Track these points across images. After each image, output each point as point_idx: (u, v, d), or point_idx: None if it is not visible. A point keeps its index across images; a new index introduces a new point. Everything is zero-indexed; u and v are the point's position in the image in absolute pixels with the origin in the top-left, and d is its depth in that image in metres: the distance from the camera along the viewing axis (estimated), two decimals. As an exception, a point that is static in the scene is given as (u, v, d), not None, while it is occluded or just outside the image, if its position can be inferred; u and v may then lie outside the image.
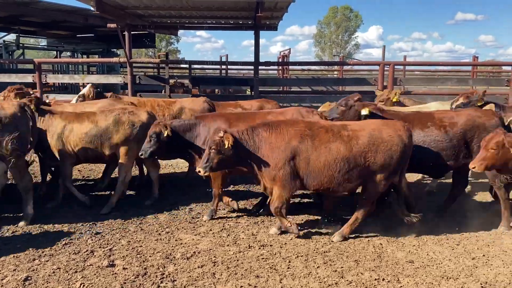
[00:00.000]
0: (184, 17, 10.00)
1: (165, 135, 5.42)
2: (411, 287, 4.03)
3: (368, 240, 5.13)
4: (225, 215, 5.95)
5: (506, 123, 5.53)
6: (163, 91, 9.87)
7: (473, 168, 4.84)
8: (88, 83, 8.33)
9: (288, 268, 4.37)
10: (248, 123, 5.36)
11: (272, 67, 19.43)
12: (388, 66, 9.35)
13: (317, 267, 4.38)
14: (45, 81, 9.96)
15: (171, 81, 9.76)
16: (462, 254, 4.75)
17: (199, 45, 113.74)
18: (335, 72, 21.18)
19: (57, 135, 5.82)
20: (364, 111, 5.59)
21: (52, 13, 13.12)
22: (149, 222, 5.66)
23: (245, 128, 5.05)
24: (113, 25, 9.26)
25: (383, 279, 4.14)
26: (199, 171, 4.92)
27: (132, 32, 15.43)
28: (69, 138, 5.83)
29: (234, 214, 5.97)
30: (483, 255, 4.73)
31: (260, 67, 9.57)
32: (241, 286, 3.99)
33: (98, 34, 17.42)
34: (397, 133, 4.93)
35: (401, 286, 4.04)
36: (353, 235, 5.20)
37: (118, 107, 6.31)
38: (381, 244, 5.03)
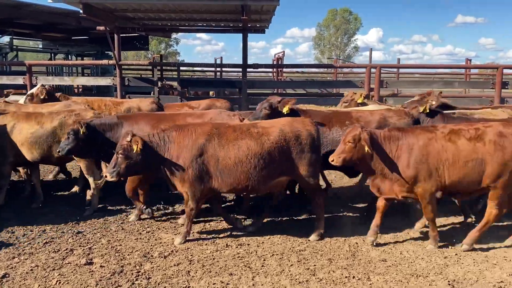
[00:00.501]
0: (173, 19, 10.11)
1: (81, 132, 5.32)
2: (381, 284, 4.13)
3: (345, 240, 5.22)
4: (208, 218, 6.03)
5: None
6: (151, 93, 9.98)
7: (332, 161, 4.85)
8: (78, 85, 8.49)
9: (262, 266, 4.46)
10: (169, 125, 5.23)
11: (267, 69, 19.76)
12: (375, 68, 9.46)
13: (291, 265, 4.47)
14: (35, 83, 10.04)
15: (160, 83, 9.85)
16: (435, 253, 4.84)
17: (199, 48, 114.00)
18: (330, 75, 21.65)
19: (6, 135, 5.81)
20: (285, 109, 5.60)
21: (44, 15, 13.25)
22: (131, 221, 5.75)
23: (156, 131, 5.01)
24: (102, 28, 9.36)
25: (354, 277, 4.23)
26: (106, 176, 4.83)
27: (124, 35, 15.73)
28: (17, 138, 5.80)
29: (217, 217, 6.05)
30: (456, 254, 4.82)
31: (256, 70, 9.65)
32: (214, 284, 4.08)
33: (92, 36, 17.54)
34: (306, 128, 5.05)
35: (370, 284, 4.13)
36: (331, 235, 5.30)
37: (67, 109, 6.24)
38: (356, 243, 5.12)
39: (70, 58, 18.16)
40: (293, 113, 5.70)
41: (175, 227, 5.59)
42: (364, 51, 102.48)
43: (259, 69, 21.97)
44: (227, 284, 4.08)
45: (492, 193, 4.75)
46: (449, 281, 4.17)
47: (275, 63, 18.99)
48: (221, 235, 5.29)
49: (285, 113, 5.63)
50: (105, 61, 10.45)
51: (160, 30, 11.04)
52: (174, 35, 69.57)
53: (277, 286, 4.06)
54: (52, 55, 18.52)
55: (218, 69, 18.31)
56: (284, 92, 14.14)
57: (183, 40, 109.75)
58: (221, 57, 20.68)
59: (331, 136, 5.62)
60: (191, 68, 21.40)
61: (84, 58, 19.44)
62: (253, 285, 4.07)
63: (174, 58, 71.35)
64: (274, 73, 19.89)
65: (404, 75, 17.70)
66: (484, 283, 4.17)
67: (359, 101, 7.26)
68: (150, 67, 18.76)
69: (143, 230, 5.44)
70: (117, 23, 9.53)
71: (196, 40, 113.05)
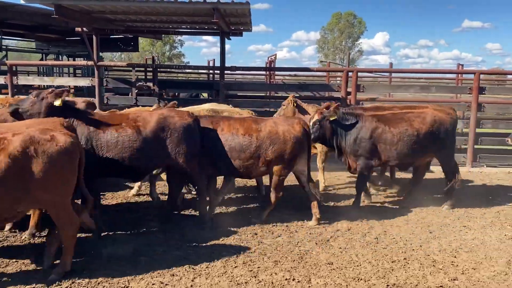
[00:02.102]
0: (154, 21, 10.15)
1: None
2: (320, 287, 4.14)
3: (298, 242, 5.24)
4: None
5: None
6: (129, 94, 10.05)
7: None
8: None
9: (207, 267, 4.48)
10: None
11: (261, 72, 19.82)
12: (352, 72, 9.49)
13: (235, 267, 4.49)
14: (17, 82, 10.12)
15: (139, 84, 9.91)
16: (384, 257, 4.85)
17: (205, 50, 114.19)
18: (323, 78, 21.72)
19: None
20: (57, 102, 5.06)
21: (34, 16, 13.32)
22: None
23: None
24: (79, 29, 9.43)
25: (294, 279, 4.25)
26: None
27: (114, 36, 15.82)
28: None
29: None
30: (404, 259, 4.83)
31: (249, 73, 9.60)
32: (153, 284, 4.10)
33: (88, 37, 17.64)
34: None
35: (309, 286, 4.14)
36: (288, 239, 5.33)
37: None
38: (310, 246, 5.14)
39: (61, 59, 18.24)
40: (68, 109, 5.21)
41: (133, 228, 5.63)
42: (370, 55, 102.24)
43: (252, 72, 22.28)
44: (166, 284, 4.10)
45: None
46: (388, 285, 4.19)
47: (268, 66, 19.18)
48: (176, 236, 5.32)
49: (56, 105, 5.08)
50: (83, 62, 10.51)
51: (140, 32, 11.11)
52: (178, 37, 70.25)
53: (215, 287, 4.08)
54: (44, 55, 18.61)
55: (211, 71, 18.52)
56: (276, 94, 14.25)
57: (189, 42, 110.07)
58: (214, 60, 20.75)
59: (105, 138, 5.15)
60: (191, 71, 21.59)
61: (76, 58, 19.53)
62: (191, 286, 4.09)
63: (179, 60, 71.59)
64: (268, 76, 20.17)
65: (406, 80, 17.73)
66: (423, 286, 4.18)
67: (292, 104, 7.40)
68: (150, 69, 19.17)
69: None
70: (96, 25, 9.60)
71: (202, 42, 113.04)
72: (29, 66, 18.10)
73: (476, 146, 9.65)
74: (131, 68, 10.90)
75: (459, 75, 17.88)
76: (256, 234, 5.51)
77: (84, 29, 9.61)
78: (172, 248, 4.95)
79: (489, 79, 22.84)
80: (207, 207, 5.90)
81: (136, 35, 13.60)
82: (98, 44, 9.66)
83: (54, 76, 14.33)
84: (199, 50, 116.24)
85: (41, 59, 18.48)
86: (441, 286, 4.19)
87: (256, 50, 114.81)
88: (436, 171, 9.34)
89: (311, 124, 6.25)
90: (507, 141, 6.99)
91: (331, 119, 6.22)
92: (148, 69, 12.12)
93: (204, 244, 5.09)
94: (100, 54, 19.66)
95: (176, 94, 12.33)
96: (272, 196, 5.82)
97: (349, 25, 68.45)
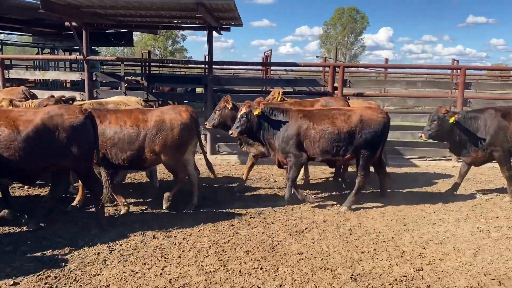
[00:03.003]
0: (143, 16, 10.21)
1: None
2: (286, 275, 4.25)
3: (272, 233, 5.35)
4: (144, 209, 6.19)
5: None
6: (119, 88, 10.15)
7: None
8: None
9: (179, 257, 4.60)
10: None
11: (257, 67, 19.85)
12: (339, 67, 9.56)
13: (206, 257, 4.61)
14: (8, 76, 10.23)
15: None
16: (355, 248, 4.95)
17: None
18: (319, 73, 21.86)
19: None
20: None
21: (29, 11, 13.39)
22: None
23: None
24: (68, 23, 9.52)
25: (262, 268, 4.36)
26: None
27: (110, 31, 15.89)
28: None
29: (155, 210, 6.20)
30: (374, 250, 4.93)
31: (246, 68, 9.67)
32: (124, 272, 4.23)
33: (79, 32, 17.72)
34: None
35: (276, 275, 4.25)
36: (263, 230, 5.45)
37: None
38: (283, 237, 5.25)
39: (56, 53, 18.32)
40: None
41: (110, 218, 5.76)
42: (374, 50, 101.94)
43: (249, 67, 22.38)
44: (136, 272, 4.23)
45: None
46: (353, 274, 4.30)
47: (264, 61, 19.29)
48: (154, 227, 5.45)
49: None
50: (73, 56, 10.62)
51: (130, 26, 11.18)
52: (180, 32, 70.39)
53: (183, 275, 4.20)
54: (40, 49, 18.70)
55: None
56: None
57: (193, 37, 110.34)
58: (205, 56, 20.84)
59: None
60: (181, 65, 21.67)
61: (72, 53, 19.62)
62: (160, 274, 4.21)
63: (181, 55, 71.81)
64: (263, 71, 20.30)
65: (409, 75, 17.74)
66: (387, 276, 4.29)
67: (279, 99, 7.46)
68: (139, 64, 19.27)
69: (79, 221, 5.60)
70: (87, 20, 9.68)
71: (205, 37, 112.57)
72: (21, 60, 18.10)
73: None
74: (120, 63, 10.93)
75: (454, 70, 17.90)
76: (232, 225, 5.62)
77: (74, 23, 9.67)
78: (148, 238, 5.08)
79: (492, 75, 22.93)
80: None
81: (126, 30, 13.64)
82: (88, 39, 9.75)
83: (45, 71, 14.30)
84: (202, 44, 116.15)
85: (37, 53, 18.58)
86: (404, 276, 4.30)
87: (260, 44, 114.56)
88: (421, 165, 9.49)
89: (238, 117, 6.27)
90: (420, 136, 6.81)
91: (255, 113, 6.16)
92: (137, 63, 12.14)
93: (179, 235, 5.21)
94: (96, 48, 19.87)
95: (172, 89, 12.41)
96: (176, 182, 6.11)
97: (351, 20, 68.18)
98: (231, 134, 6.34)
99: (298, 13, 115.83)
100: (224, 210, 6.19)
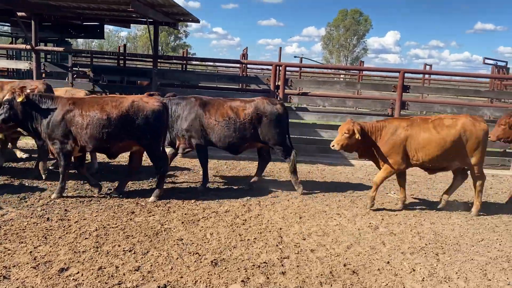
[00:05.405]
0: (85, 9, 10.31)
1: None
2: (151, 258, 4.43)
3: (166, 221, 5.55)
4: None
5: None
6: (66, 78, 10.34)
7: None
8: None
9: (59, 238, 4.80)
10: None
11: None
12: (281, 67, 9.79)
13: (85, 239, 4.81)
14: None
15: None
16: (237, 236, 5.16)
17: (215, 42, 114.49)
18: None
19: None
20: None
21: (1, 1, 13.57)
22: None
23: None
24: (21, 14, 9.73)
25: (131, 251, 4.57)
26: None
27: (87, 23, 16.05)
28: None
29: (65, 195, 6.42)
30: (255, 238, 5.14)
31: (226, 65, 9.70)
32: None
33: (55, 23, 17.91)
34: None
35: (142, 257, 4.45)
36: (160, 218, 5.67)
37: None
38: (175, 225, 5.44)
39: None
40: None
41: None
42: (381, 53, 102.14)
43: (228, 64, 22.61)
44: (9, 250, 4.43)
45: None
46: (216, 259, 4.50)
47: (241, 58, 19.65)
48: (55, 210, 5.67)
49: None
50: (22, 46, 10.81)
51: (76, 19, 11.40)
52: (183, 28, 70.64)
53: (51, 254, 4.40)
54: (13, 39, 18.90)
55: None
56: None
57: (199, 34, 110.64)
58: (186, 50, 21.12)
59: None
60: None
61: (47, 44, 19.82)
62: (30, 252, 4.41)
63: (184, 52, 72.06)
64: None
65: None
66: (249, 262, 4.49)
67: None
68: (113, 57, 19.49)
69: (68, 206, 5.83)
70: (34, 10, 9.87)
71: (212, 34, 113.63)
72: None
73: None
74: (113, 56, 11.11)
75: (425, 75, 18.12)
76: (133, 213, 5.83)
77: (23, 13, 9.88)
78: (42, 220, 5.29)
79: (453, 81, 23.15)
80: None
81: (98, 23, 13.84)
82: (37, 29, 9.94)
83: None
84: (208, 42, 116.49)
85: (11, 43, 18.77)
86: (265, 263, 4.51)
87: (266, 44, 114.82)
88: (356, 164, 9.73)
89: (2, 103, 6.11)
90: (333, 146, 6.48)
91: (19, 100, 5.95)
92: (84, 55, 12.21)
93: (73, 219, 5.43)
94: (70, 40, 20.01)
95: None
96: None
97: (354, 22, 68.19)
98: None
99: (306, 14, 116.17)
100: (133, 199, 6.39)
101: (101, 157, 7.99)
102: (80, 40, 70.53)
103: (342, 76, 23.64)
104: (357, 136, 6.19)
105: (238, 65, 20.39)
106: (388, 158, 6.32)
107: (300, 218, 6.02)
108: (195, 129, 6.89)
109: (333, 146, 6.41)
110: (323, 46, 72.37)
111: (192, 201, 6.46)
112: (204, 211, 6.05)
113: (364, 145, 6.42)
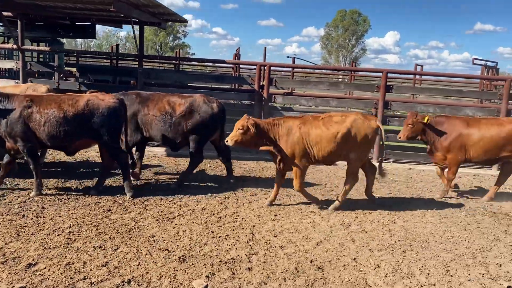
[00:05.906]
0: (72, 9, 10.37)
1: None
2: (120, 254, 4.52)
3: (141, 218, 5.64)
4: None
5: None
6: (53, 77, 10.41)
7: None
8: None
9: (32, 234, 4.89)
10: None
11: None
12: (265, 67, 9.88)
13: (57, 235, 4.90)
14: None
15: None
16: (210, 233, 5.24)
17: (214, 42, 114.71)
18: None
19: None
20: None
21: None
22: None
23: None
24: (7, 14, 9.80)
25: (101, 247, 4.66)
26: None
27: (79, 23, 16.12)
28: None
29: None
30: (226, 235, 5.23)
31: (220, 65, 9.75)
32: None
33: (47, 23, 17.99)
34: None
35: (111, 254, 4.54)
36: (135, 215, 5.75)
37: None
38: (149, 222, 5.53)
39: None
40: None
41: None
42: (380, 53, 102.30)
43: (221, 64, 22.71)
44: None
45: None
46: (184, 255, 4.59)
47: (233, 59, 19.76)
48: (33, 207, 5.75)
49: None
50: (8, 45, 10.87)
51: (62, 19, 11.48)
52: (182, 28, 70.88)
53: (21, 249, 4.49)
54: (5, 38, 18.98)
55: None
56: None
57: (199, 34, 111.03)
58: (179, 49, 21.20)
59: None
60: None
61: (40, 44, 19.91)
62: (0, 248, 4.50)
63: (183, 52, 72.27)
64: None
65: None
66: (216, 259, 4.57)
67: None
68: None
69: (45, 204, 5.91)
70: (24, 10, 9.95)
71: (212, 34, 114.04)
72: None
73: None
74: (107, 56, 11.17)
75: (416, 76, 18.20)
76: (109, 210, 5.92)
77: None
78: (17, 217, 5.37)
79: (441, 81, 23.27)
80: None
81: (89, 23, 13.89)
82: (23, 28, 10.01)
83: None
84: (207, 42, 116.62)
85: (3, 43, 18.87)
86: (233, 259, 4.60)
87: (266, 44, 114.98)
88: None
89: None
90: (227, 141, 6.37)
91: None
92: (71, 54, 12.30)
93: (49, 216, 5.51)
94: (62, 40, 20.10)
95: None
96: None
97: (353, 22, 68.29)
98: None
99: (306, 14, 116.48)
100: (111, 197, 6.47)
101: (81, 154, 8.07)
102: (79, 40, 70.76)
103: (341, 77, 23.91)
104: (252, 130, 6.06)
105: (230, 65, 20.62)
106: (295, 158, 6.29)
107: (275, 216, 6.10)
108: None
109: (227, 141, 6.27)
110: (322, 47, 72.52)
111: (170, 199, 6.54)
112: (180, 209, 6.14)
113: (260, 142, 6.29)
